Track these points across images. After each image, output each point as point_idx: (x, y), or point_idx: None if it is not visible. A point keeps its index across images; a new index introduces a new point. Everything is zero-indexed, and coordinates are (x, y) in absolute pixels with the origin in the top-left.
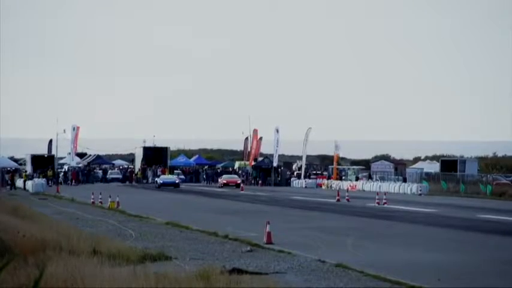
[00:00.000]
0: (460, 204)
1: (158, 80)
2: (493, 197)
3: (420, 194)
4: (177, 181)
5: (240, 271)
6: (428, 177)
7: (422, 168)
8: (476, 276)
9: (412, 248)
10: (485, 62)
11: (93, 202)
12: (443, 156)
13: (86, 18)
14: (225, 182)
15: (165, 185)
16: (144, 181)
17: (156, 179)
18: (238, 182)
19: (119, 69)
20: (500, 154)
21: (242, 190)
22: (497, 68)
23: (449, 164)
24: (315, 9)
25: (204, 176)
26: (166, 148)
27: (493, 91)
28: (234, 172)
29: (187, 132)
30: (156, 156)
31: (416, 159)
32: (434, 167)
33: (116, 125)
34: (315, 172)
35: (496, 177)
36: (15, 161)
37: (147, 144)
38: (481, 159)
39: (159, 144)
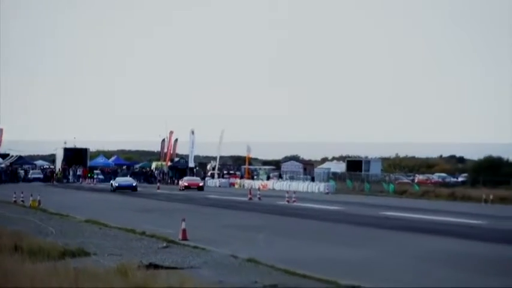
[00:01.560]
0: (365, 202)
1: (78, 82)
2: (395, 195)
3: (327, 193)
4: (134, 184)
5: (156, 266)
6: (335, 176)
7: (329, 168)
8: (382, 270)
9: (320, 243)
10: (392, 61)
11: (15, 201)
12: (349, 156)
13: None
14: (186, 184)
15: (121, 188)
16: (65, 181)
17: (112, 181)
18: (201, 184)
19: (43, 70)
20: (402, 155)
21: (159, 189)
22: (405, 68)
23: (354, 164)
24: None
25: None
26: (86, 149)
27: (395, 92)
28: (151, 172)
29: (106, 134)
30: (76, 156)
31: (324, 160)
32: (341, 167)
33: (37, 126)
34: (228, 172)
35: (398, 177)
36: None
37: (68, 146)
38: (384, 160)
39: (79, 146)
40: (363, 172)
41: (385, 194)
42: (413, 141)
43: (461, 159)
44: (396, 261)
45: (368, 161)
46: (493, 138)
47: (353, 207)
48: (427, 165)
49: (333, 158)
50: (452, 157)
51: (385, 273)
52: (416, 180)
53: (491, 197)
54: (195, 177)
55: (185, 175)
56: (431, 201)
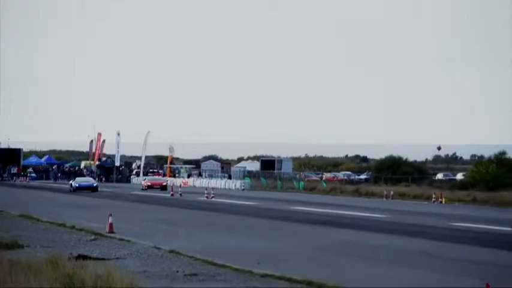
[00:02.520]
0: (277, 197)
1: (12, 85)
2: (305, 191)
3: (243, 189)
4: (94, 184)
5: (85, 257)
6: (250, 174)
7: (245, 167)
8: (292, 260)
9: (237, 236)
10: (304, 64)
11: None
12: (262, 156)
13: None
14: (149, 184)
15: (81, 189)
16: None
17: (71, 181)
18: (164, 184)
19: None
20: (311, 155)
21: None
22: (314, 72)
23: (268, 163)
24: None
25: (54, 174)
26: (19, 149)
27: (305, 96)
28: (80, 171)
29: (39, 135)
30: (10, 156)
31: (240, 159)
32: (255, 166)
33: None
34: (152, 170)
35: (308, 175)
36: None
37: (2, 146)
38: (295, 159)
39: (13, 146)
40: (275, 170)
41: (295, 191)
42: (321, 142)
43: (364, 159)
44: (304, 251)
45: (280, 161)
46: (394, 139)
47: (266, 203)
48: (333, 164)
49: (248, 158)
50: (357, 157)
51: (294, 262)
52: (324, 178)
53: (391, 192)
54: (159, 177)
55: (112, 174)
56: (338, 197)
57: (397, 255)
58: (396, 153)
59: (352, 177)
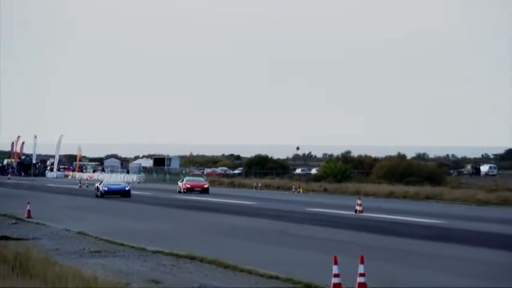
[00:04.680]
0: (167, 189)
1: None
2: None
3: (139, 182)
4: (127, 188)
5: (7, 238)
6: (144, 170)
7: (140, 164)
8: (179, 239)
9: (135, 220)
10: (196, 74)
11: None
12: (155, 154)
13: None
14: (188, 186)
15: (110, 194)
16: None
17: (97, 184)
18: (206, 186)
19: None
20: (195, 153)
21: (9, 179)
22: (200, 78)
23: (159, 161)
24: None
25: None
26: None
27: (192, 101)
28: (3, 167)
29: None
30: None
31: (136, 157)
32: (149, 163)
33: None
34: (63, 167)
35: (192, 170)
36: None
37: None
38: (181, 157)
39: None
40: (165, 166)
41: None
42: (203, 142)
43: (238, 157)
44: (189, 232)
45: (169, 158)
46: (263, 140)
47: (157, 193)
48: (213, 161)
49: (143, 156)
50: (232, 155)
51: (181, 241)
52: (205, 172)
53: (259, 184)
54: (200, 178)
55: (30, 169)
56: (217, 188)
57: (262, 234)
58: (263, 152)
59: (228, 172)
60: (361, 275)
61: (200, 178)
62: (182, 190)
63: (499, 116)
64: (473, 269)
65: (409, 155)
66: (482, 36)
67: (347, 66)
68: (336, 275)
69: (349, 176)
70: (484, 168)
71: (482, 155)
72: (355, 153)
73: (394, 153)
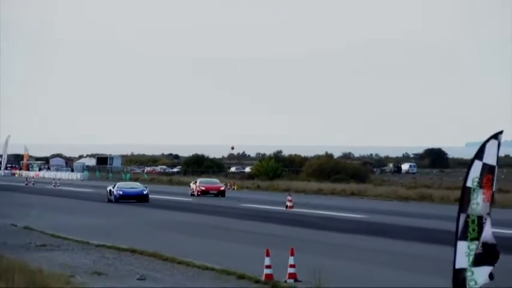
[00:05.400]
0: (108, 185)
1: None
2: (131, 181)
3: (83, 180)
4: (145, 192)
5: None
6: (88, 168)
7: (84, 163)
8: (122, 234)
9: (79, 215)
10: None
11: None
12: (98, 154)
13: None
14: (203, 189)
15: (126, 198)
16: None
17: (110, 187)
18: (222, 188)
19: None
20: (136, 153)
21: None
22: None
23: (102, 160)
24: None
25: None
26: None
27: (133, 101)
28: None
29: None
30: None
31: (80, 156)
32: (92, 162)
33: None
34: (10, 165)
35: (133, 168)
36: None
37: None
38: (123, 156)
39: None
40: (108, 165)
41: (123, 181)
42: (144, 143)
43: (176, 156)
44: (131, 227)
45: (112, 157)
46: (199, 140)
47: (101, 190)
48: (153, 160)
49: (87, 155)
50: (171, 154)
51: (123, 235)
52: (145, 171)
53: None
54: (215, 180)
55: None
56: (157, 185)
57: (199, 229)
58: (201, 151)
59: (167, 170)
60: (292, 266)
61: (215, 179)
62: (196, 193)
63: (419, 117)
64: (396, 260)
65: (336, 154)
66: (407, 37)
67: (279, 69)
68: (268, 266)
69: (281, 174)
70: (404, 166)
71: (403, 155)
72: (286, 153)
73: (322, 152)
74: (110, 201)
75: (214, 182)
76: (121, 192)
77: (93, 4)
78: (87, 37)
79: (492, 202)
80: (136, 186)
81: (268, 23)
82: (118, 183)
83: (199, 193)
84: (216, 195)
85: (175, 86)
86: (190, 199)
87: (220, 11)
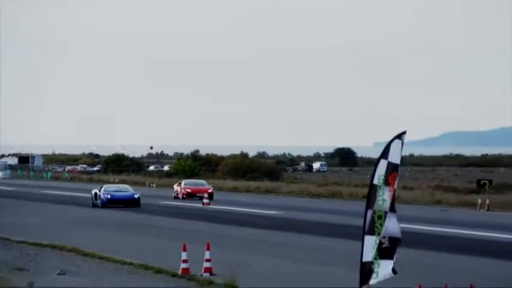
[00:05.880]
0: (32, 184)
1: None
2: (52, 180)
3: (4, 178)
4: (136, 195)
5: None
6: (10, 167)
7: (6, 161)
8: (43, 231)
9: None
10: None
11: None
12: (20, 153)
13: None
14: (189, 191)
15: (114, 203)
16: None
17: (96, 190)
18: (211, 191)
19: None
20: (57, 152)
21: None
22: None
23: (24, 159)
24: None
25: None
26: None
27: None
28: None
29: None
30: None
31: (2, 156)
32: (14, 161)
33: None
34: None
35: (54, 167)
36: None
37: None
38: (44, 156)
39: None
40: (29, 164)
41: (45, 180)
42: (65, 142)
43: (97, 155)
44: (51, 224)
45: (33, 157)
46: (120, 140)
47: (22, 188)
48: (74, 159)
49: (9, 154)
50: (91, 154)
51: (44, 232)
52: (66, 170)
53: (116, 180)
54: (199, 181)
55: None
56: (77, 183)
57: (120, 225)
58: (121, 152)
59: (87, 169)
60: (207, 260)
61: (202, 181)
62: (180, 195)
63: (330, 118)
64: (307, 254)
65: (251, 153)
66: (316, 47)
67: (197, 70)
68: (185, 261)
69: (198, 173)
70: (315, 165)
71: (315, 154)
72: (203, 152)
73: (238, 152)
74: (95, 206)
75: (201, 183)
76: (109, 196)
77: None
78: None
79: (394, 198)
80: (125, 189)
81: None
82: (105, 186)
83: (184, 196)
84: (200, 198)
85: (97, 87)
86: None
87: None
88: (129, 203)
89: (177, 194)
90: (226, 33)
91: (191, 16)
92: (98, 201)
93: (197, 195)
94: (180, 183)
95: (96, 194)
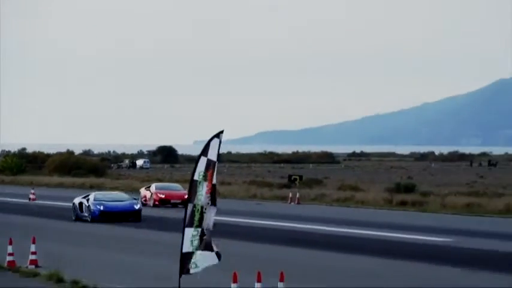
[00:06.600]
0: None
1: None
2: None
3: None
4: (137, 206)
5: None
6: None
7: None
8: None
9: None
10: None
11: None
12: None
13: None
14: (162, 197)
15: (109, 216)
16: None
17: (79, 199)
18: (186, 197)
19: None
20: None
21: None
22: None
23: None
24: None
25: None
26: None
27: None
28: None
29: None
30: None
31: None
32: None
33: None
34: None
35: None
36: None
37: None
38: None
39: None
40: None
41: None
42: None
43: None
44: None
45: None
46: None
47: None
48: None
49: None
50: None
51: None
52: None
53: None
54: (174, 185)
55: None
56: None
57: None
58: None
59: None
60: (33, 253)
61: (177, 185)
62: (152, 202)
63: (153, 118)
64: (132, 245)
65: (77, 151)
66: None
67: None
68: (11, 254)
69: (24, 170)
70: (139, 162)
71: (138, 151)
72: (30, 150)
73: (64, 150)
74: (79, 219)
75: (176, 187)
76: (102, 208)
77: None
78: None
79: (215, 193)
80: (122, 198)
81: None
82: (95, 194)
83: (156, 202)
84: (174, 205)
85: None
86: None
87: None
88: (128, 216)
89: (145, 201)
90: None
91: None
92: (87, 215)
93: (171, 201)
94: (149, 187)
95: (81, 204)
